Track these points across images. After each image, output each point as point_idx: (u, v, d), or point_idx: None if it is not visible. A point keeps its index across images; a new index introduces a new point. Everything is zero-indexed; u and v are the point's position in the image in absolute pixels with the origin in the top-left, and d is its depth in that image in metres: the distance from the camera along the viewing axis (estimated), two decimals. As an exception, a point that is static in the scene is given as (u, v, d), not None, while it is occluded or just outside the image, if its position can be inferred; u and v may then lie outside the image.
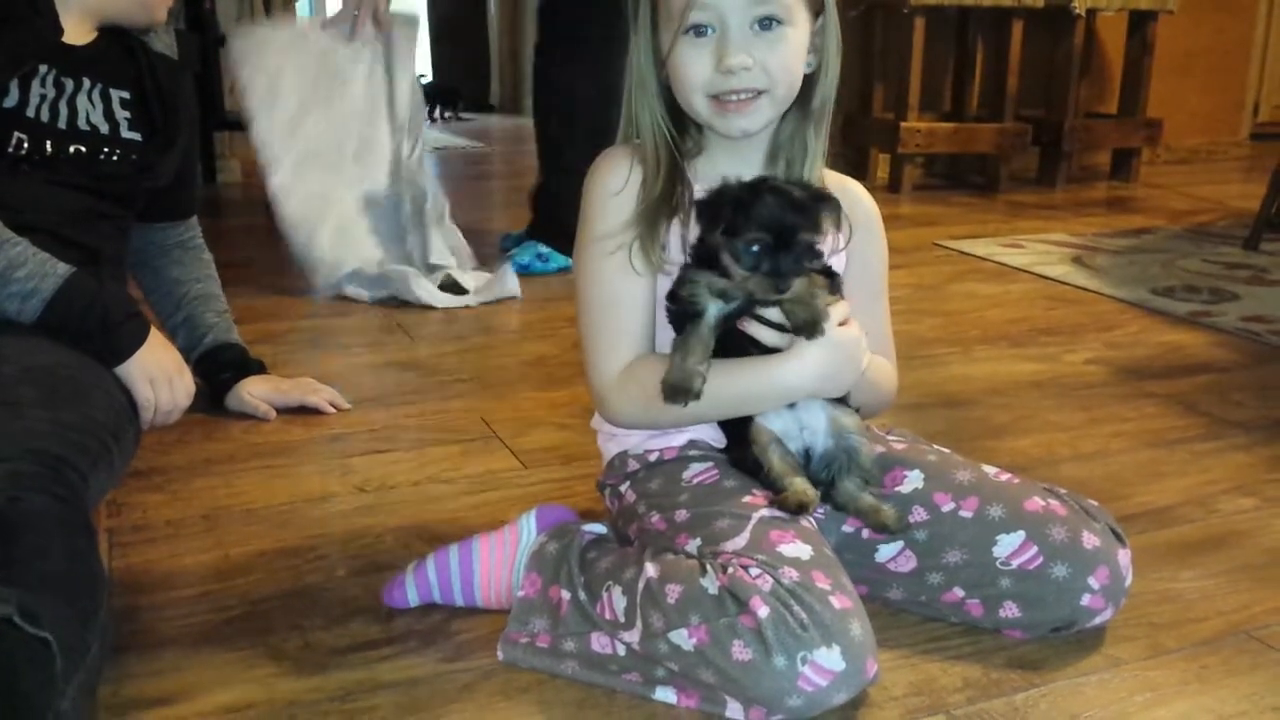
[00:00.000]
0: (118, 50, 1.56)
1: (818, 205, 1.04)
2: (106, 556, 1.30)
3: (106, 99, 1.52)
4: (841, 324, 1.09)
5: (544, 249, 2.80)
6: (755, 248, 1.02)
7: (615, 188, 1.15)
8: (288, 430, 1.73)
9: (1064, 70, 4.23)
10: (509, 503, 1.46)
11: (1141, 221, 3.62)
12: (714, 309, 1.08)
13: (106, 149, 1.51)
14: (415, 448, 1.69)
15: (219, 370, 1.77)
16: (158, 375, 1.40)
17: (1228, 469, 1.61)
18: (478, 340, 2.25)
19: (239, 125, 3.98)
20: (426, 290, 2.46)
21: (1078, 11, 4.07)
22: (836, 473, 1.13)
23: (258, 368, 1.81)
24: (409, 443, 1.71)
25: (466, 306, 2.47)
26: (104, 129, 1.50)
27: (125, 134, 1.53)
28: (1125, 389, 1.97)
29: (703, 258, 1.08)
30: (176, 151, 1.61)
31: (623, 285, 1.15)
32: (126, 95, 1.54)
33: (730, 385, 1.08)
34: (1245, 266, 2.93)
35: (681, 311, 1.09)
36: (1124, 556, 1.13)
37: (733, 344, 1.09)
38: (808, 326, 1.05)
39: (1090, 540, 1.11)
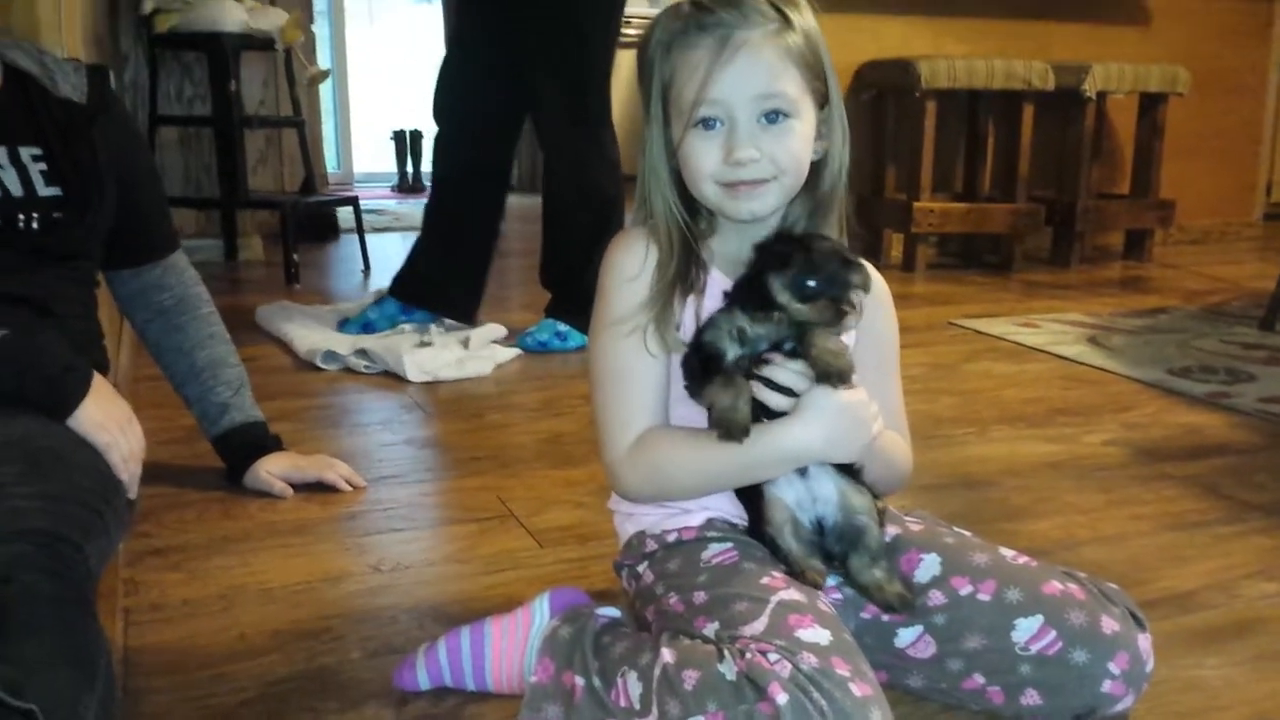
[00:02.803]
0: (20, 104, 1.46)
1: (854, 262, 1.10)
2: (122, 636, 1.30)
3: (15, 157, 1.43)
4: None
5: (562, 327, 2.82)
6: (812, 281, 1.06)
7: (632, 272, 1.17)
8: (304, 508, 1.73)
9: (1075, 152, 4.27)
10: (525, 583, 1.46)
11: (1156, 301, 3.63)
12: (732, 353, 1.09)
13: (23, 215, 1.41)
14: (431, 526, 1.69)
15: (235, 452, 1.78)
16: (109, 425, 1.34)
17: (1250, 553, 1.60)
18: (494, 418, 2.26)
19: (261, 204, 4.09)
20: (408, 365, 2.51)
21: (1089, 95, 4.13)
22: (847, 548, 1.14)
23: (275, 444, 1.82)
24: (425, 521, 1.71)
25: (438, 380, 2.50)
26: (17, 190, 1.41)
27: (43, 191, 1.43)
28: (1144, 470, 1.96)
29: (741, 298, 1.10)
30: (104, 206, 1.51)
31: (637, 361, 1.16)
32: (37, 151, 1.45)
33: (738, 451, 1.08)
34: (1262, 347, 2.93)
35: (706, 356, 1.10)
36: (1144, 641, 1.11)
37: None
38: (839, 374, 1.06)
39: (1109, 625, 1.09)
